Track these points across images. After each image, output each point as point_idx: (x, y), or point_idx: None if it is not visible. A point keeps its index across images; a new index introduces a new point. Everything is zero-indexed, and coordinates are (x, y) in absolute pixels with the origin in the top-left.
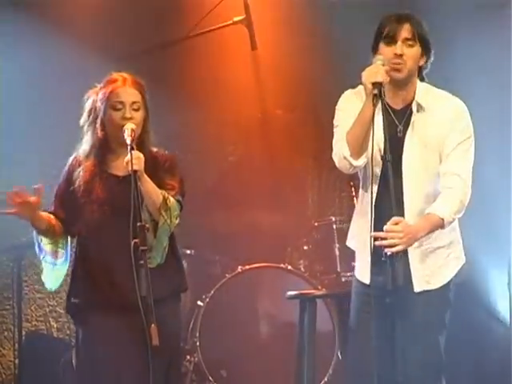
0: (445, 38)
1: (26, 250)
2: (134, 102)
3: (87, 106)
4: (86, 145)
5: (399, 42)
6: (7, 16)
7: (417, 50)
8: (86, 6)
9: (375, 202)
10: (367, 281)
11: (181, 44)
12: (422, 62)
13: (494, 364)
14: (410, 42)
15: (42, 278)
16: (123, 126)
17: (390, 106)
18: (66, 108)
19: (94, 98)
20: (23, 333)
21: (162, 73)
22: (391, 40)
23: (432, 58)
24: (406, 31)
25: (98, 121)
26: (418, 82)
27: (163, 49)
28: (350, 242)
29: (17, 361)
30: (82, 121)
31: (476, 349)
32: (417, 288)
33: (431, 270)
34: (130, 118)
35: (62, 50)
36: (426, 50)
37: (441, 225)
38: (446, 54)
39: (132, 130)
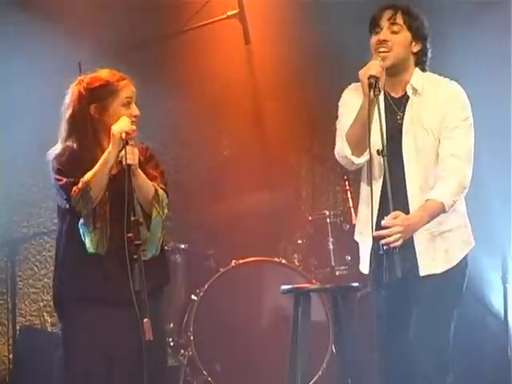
0: (444, 34)
1: (20, 245)
2: (135, 98)
3: (73, 99)
4: (75, 142)
5: (384, 29)
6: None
7: (403, 36)
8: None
9: (379, 194)
10: (366, 271)
11: (174, 38)
12: (415, 49)
13: (490, 358)
14: (395, 28)
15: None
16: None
17: (390, 95)
18: (59, 103)
19: (82, 93)
20: (17, 327)
21: (155, 67)
22: (376, 28)
23: (429, 47)
24: (388, 18)
25: (98, 119)
26: (417, 69)
27: (157, 43)
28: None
29: (11, 356)
30: (67, 115)
31: (471, 343)
32: (422, 272)
33: (437, 254)
34: (137, 116)
35: (56, 44)
36: (417, 37)
37: (442, 209)
38: (445, 49)
39: (133, 130)
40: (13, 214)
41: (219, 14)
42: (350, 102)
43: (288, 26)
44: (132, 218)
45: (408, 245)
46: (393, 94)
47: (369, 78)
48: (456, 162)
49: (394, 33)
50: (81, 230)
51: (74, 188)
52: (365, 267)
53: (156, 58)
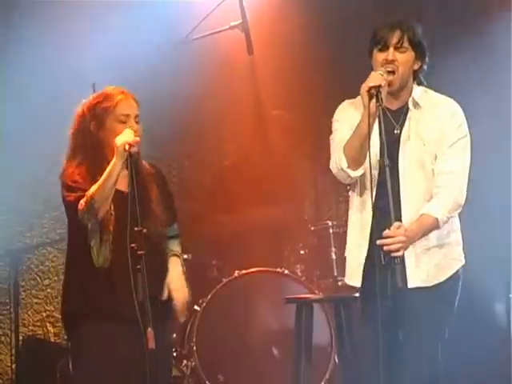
0: (443, 41)
1: (22, 255)
2: (136, 115)
3: (76, 118)
4: (80, 159)
5: (391, 49)
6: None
7: (409, 55)
8: (83, 6)
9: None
10: (357, 284)
11: (177, 48)
12: (416, 66)
13: (493, 365)
14: (402, 48)
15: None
16: None
17: (386, 107)
18: (64, 108)
19: (84, 112)
20: (20, 338)
21: (157, 77)
22: (383, 47)
23: (426, 61)
24: (396, 37)
25: (97, 136)
26: (415, 85)
27: (160, 53)
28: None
29: (14, 366)
30: (71, 134)
31: (474, 352)
32: (411, 284)
33: (426, 268)
34: (136, 131)
35: (59, 48)
36: (419, 55)
37: (436, 225)
38: (444, 57)
39: (136, 142)
40: (15, 224)
41: (222, 24)
42: (345, 116)
43: (291, 37)
44: (135, 229)
45: (400, 262)
46: (389, 107)
47: (369, 90)
48: (452, 179)
49: (401, 52)
50: (90, 244)
51: (81, 202)
52: (354, 279)
53: (158, 69)
